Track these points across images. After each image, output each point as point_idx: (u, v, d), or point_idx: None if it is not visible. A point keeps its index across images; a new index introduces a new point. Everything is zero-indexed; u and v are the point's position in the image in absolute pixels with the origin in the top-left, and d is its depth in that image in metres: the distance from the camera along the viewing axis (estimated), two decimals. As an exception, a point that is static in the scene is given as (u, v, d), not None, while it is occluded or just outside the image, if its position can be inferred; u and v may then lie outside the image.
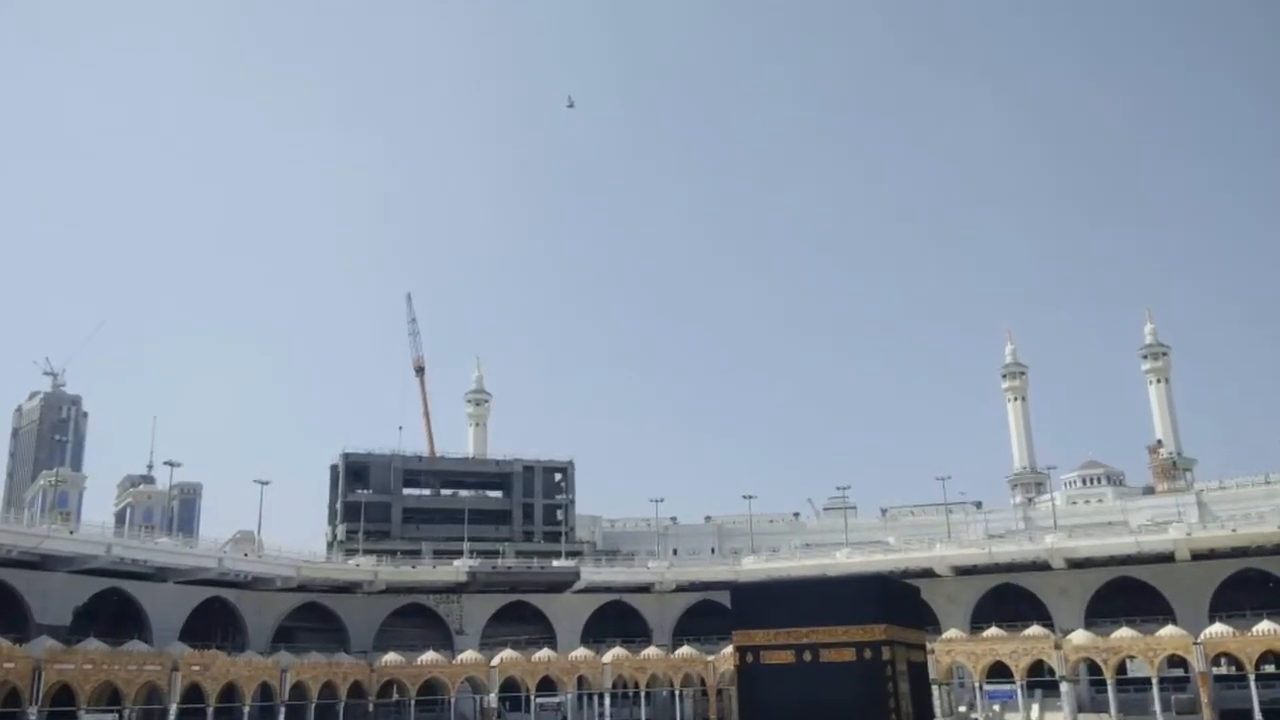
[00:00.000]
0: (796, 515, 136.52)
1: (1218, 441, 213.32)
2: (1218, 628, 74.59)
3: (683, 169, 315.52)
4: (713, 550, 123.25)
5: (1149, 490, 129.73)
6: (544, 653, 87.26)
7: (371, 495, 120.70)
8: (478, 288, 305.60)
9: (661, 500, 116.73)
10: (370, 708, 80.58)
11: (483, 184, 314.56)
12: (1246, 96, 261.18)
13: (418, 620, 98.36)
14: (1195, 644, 72.45)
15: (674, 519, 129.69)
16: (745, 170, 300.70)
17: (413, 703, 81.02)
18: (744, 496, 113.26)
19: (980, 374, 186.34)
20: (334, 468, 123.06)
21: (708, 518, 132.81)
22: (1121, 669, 76.28)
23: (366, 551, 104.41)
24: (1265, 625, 71.87)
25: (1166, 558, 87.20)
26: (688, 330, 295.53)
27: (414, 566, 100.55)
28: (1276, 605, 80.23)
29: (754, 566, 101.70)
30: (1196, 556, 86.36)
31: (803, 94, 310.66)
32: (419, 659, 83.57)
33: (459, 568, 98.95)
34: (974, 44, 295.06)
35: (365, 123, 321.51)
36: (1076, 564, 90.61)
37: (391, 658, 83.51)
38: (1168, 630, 76.11)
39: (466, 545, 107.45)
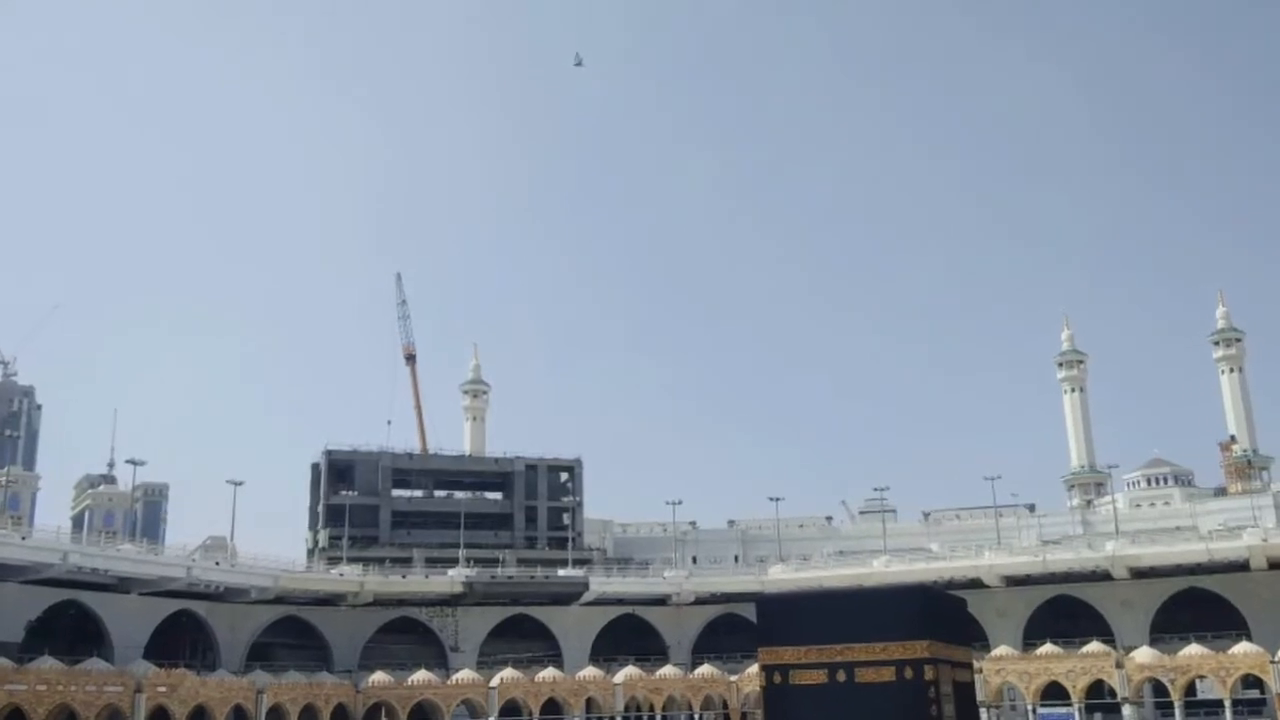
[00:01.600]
0: (829, 519, 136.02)
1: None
2: (1300, 644, 73.74)
3: (704, 134, 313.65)
4: (736, 558, 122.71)
5: (1221, 491, 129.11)
6: (549, 672, 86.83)
7: (357, 497, 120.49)
8: (475, 268, 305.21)
9: (679, 503, 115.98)
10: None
11: (480, 151, 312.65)
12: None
13: (409, 636, 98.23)
14: (1273, 663, 71.80)
15: (693, 524, 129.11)
16: (774, 137, 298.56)
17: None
18: (771, 499, 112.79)
19: (1035, 363, 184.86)
20: (315, 467, 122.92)
21: (731, 522, 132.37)
22: (1191, 690, 75.75)
23: (351, 559, 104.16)
24: (1353, 642, 70.90)
25: (1241, 566, 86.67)
26: (708, 315, 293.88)
27: (404, 576, 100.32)
28: (1367, 620, 79.30)
29: (782, 576, 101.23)
30: (1274, 565, 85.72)
31: (839, 50, 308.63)
32: (410, 679, 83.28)
33: (454, 577, 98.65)
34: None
35: (348, 81, 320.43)
36: (1141, 573, 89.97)
37: (379, 677, 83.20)
38: (1242, 647, 75.53)
39: (463, 553, 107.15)
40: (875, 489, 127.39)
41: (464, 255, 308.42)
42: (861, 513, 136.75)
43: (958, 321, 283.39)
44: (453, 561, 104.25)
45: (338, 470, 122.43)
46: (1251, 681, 73.90)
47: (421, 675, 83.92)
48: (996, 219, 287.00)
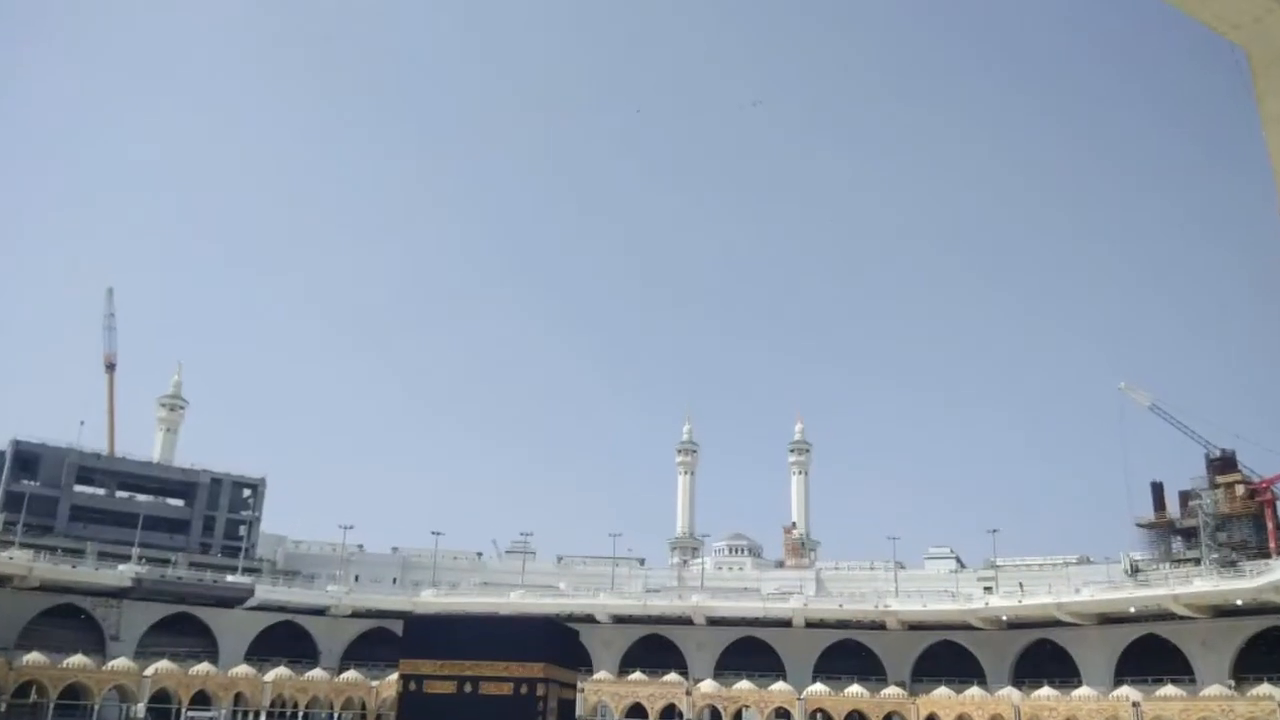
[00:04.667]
0: (480, 554, 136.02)
1: (841, 528, 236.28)
2: (818, 686, 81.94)
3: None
4: (395, 580, 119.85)
5: (780, 564, 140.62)
6: (203, 666, 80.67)
7: (39, 487, 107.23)
8: (186, 289, 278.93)
9: (351, 527, 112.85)
10: (3, 707, 70.65)
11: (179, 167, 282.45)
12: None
13: (71, 622, 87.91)
14: (799, 699, 79.06)
15: (360, 546, 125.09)
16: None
17: (52, 705, 71.97)
18: (433, 533, 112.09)
19: (661, 447, 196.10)
20: (0, 454, 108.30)
21: (395, 548, 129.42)
22: (739, 716, 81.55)
23: (24, 545, 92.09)
24: (855, 688, 79.90)
25: (786, 623, 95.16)
26: (391, 371, 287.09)
27: (74, 566, 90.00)
28: (865, 672, 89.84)
29: (431, 600, 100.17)
30: (809, 624, 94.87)
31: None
32: (65, 661, 74.57)
33: (124, 572, 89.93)
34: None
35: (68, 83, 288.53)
36: (714, 621, 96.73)
37: (34, 657, 73.89)
38: (778, 685, 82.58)
39: (136, 550, 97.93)
40: (521, 533, 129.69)
41: (176, 278, 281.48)
42: (508, 551, 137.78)
43: (599, 403, 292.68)
44: (127, 558, 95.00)
45: (23, 461, 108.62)
46: (783, 713, 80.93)
47: (77, 659, 75.39)
48: (641, 330, 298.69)
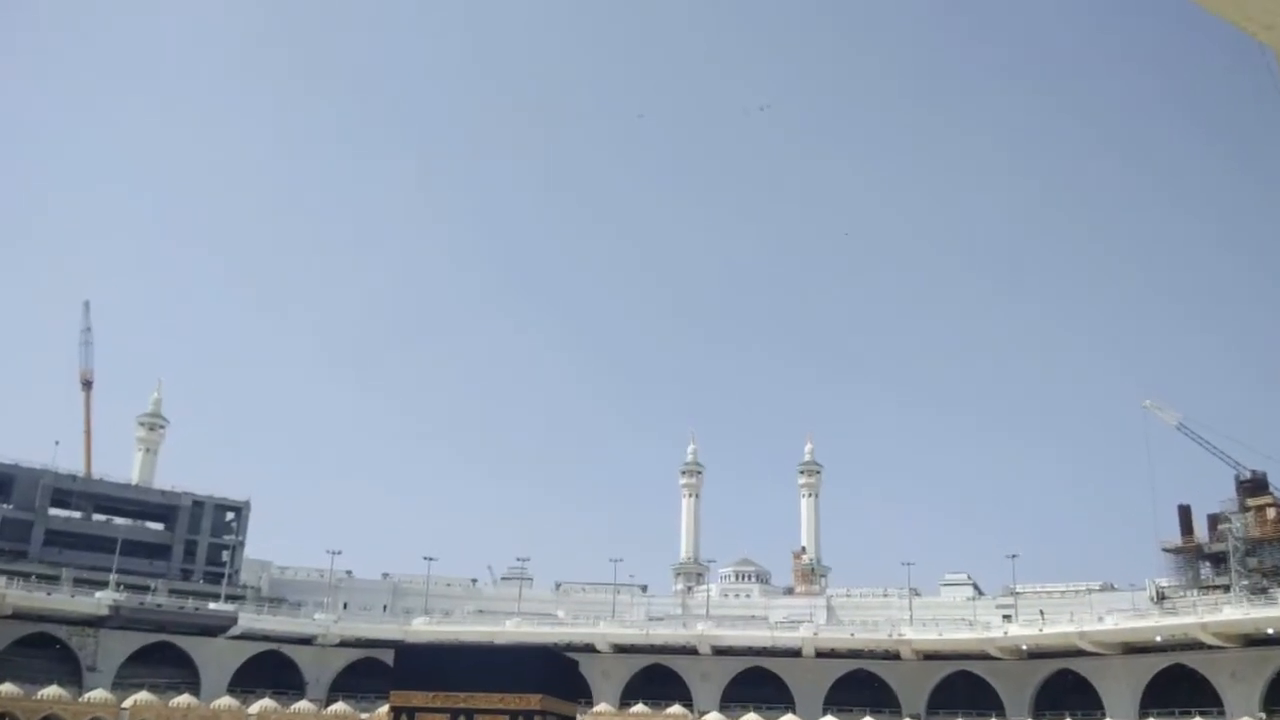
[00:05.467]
0: (474, 581, 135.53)
1: (853, 553, 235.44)
2: (829, 719, 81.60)
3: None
4: (385, 608, 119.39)
5: (789, 590, 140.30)
6: (184, 698, 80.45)
7: (12, 510, 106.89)
8: (168, 304, 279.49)
9: (339, 553, 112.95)
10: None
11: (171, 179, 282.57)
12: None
13: (46, 651, 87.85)
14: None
15: (349, 573, 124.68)
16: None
17: (24, 741, 71.85)
18: (425, 558, 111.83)
19: (663, 468, 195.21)
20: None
21: (385, 575, 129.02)
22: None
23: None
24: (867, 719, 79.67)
25: (795, 653, 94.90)
26: (382, 391, 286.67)
27: (49, 594, 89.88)
28: (879, 704, 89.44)
29: (424, 628, 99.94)
30: (820, 654, 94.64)
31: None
32: (39, 693, 74.38)
33: (101, 600, 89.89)
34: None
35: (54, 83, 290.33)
36: (720, 651, 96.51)
37: (7, 688, 73.75)
38: (787, 718, 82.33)
39: (114, 576, 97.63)
40: (518, 558, 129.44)
41: (159, 291, 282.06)
42: (503, 578, 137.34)
43: (599, 422, 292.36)
44: (103, 584, 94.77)
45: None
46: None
47: (52, 690, 75.27)
48: (643, 345, 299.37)
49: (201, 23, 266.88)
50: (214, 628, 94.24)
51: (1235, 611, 75.99)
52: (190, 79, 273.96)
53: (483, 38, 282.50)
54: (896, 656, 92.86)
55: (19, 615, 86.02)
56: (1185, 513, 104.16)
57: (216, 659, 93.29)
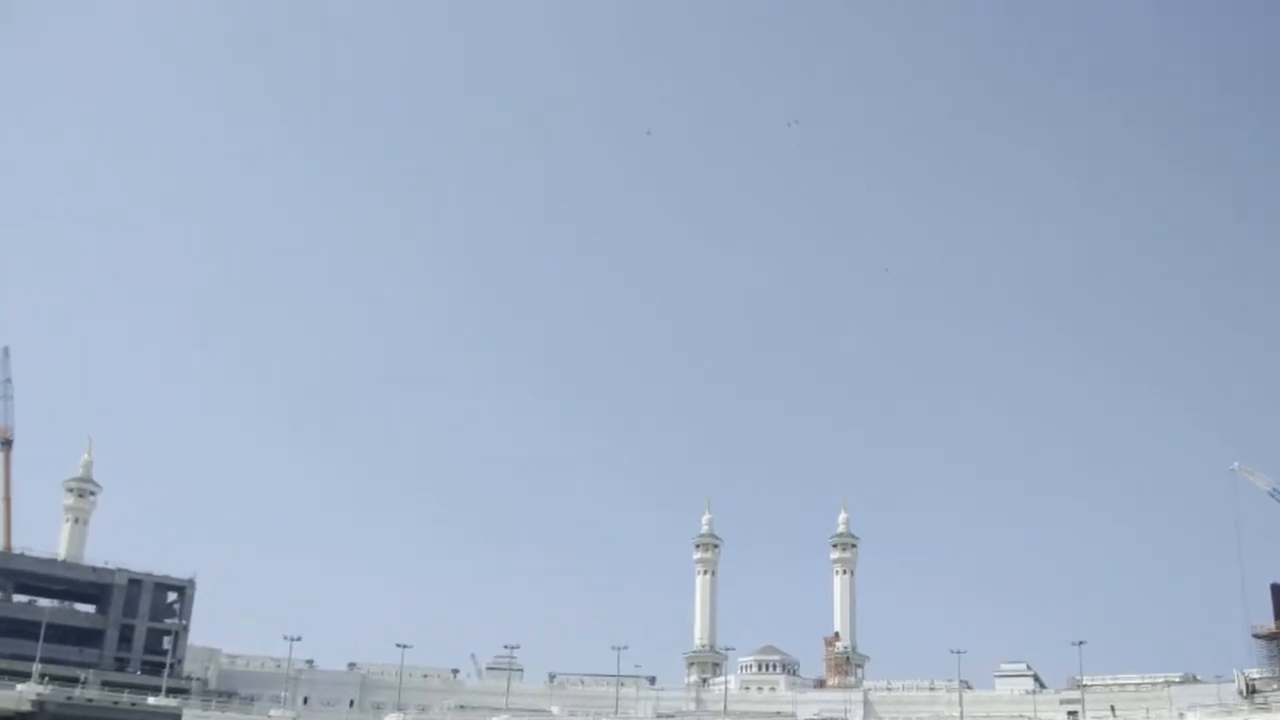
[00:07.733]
0: (455, 672, 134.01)
1: (894, 639, 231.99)
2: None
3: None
4: (352, 703, 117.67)
5: (821, 683, 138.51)
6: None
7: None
8: (100, 351, 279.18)
9: (298, 639, 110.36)
10: None
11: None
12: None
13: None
14: None
15: (310, 662, 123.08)
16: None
17: None
18: (398, 645, 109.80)
19: (675, 542, 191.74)
20: None
21: (351, 665, 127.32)
22: None
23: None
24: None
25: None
26: (349, 449, 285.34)
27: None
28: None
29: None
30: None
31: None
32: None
33: (23, 694, 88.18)
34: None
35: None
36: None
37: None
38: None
39: (38, 667, 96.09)
40: (505, 646, 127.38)
41: (85, 341, 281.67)
42: (489, 668, 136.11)
43: (600, 488, 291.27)
44: (26, 676, 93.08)
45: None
46: None
47: (-37, 805, 73.18)
48: (651, 399, 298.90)
49: (144, 47, 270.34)
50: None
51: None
52: (128, 103, 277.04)
53: (474, 52, 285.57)
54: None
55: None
56: (1279, 593, 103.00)
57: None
